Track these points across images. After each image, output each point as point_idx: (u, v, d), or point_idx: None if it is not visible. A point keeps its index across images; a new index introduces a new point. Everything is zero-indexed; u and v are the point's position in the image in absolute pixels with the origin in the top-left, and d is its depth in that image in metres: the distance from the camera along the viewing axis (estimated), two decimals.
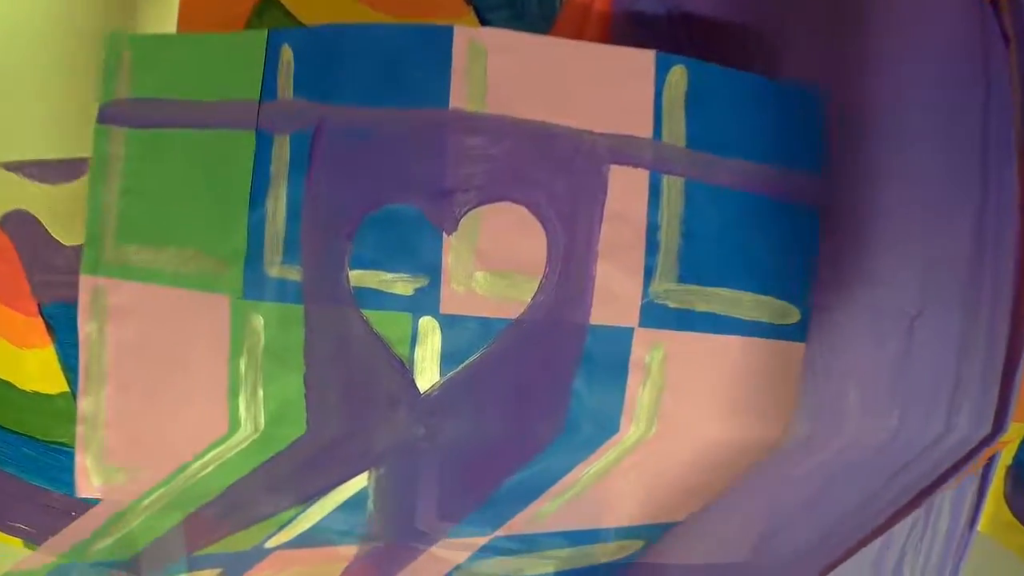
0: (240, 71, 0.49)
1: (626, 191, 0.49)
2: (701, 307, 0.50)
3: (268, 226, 0.49)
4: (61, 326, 0.57)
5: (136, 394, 0.49)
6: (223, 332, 0.49)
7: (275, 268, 0.49)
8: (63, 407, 0.57)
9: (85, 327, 0.49)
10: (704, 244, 0.50)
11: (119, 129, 0.50)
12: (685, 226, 0.50)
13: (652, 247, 0.49)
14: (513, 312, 0.49)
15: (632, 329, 0.49)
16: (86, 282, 0.49)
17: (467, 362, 0.49)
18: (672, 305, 0.50)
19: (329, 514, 0.51)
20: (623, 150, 0.49)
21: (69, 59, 0.57)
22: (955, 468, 0.52)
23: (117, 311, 0.49)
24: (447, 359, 0.49)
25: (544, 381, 0.49)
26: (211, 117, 0.49)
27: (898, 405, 0.51)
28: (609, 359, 0.49)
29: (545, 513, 0.52)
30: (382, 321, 0.49)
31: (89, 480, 0.50)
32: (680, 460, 0.51)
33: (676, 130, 0.50)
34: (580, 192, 0.49)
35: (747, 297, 0.51)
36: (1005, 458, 0.57)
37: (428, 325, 0.49)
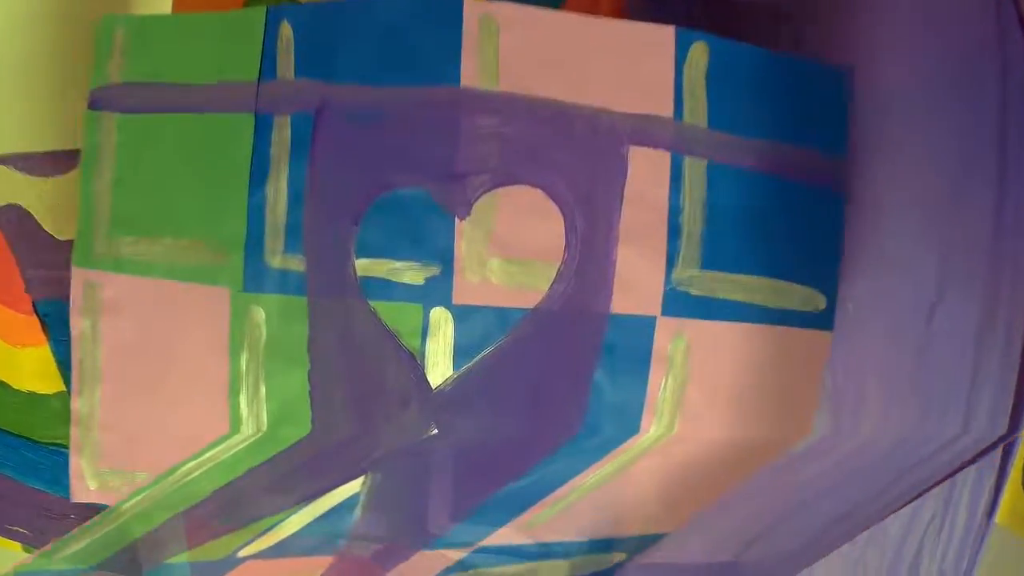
0: (237, 51, 0.49)
1: (647, 173, 0.49)
2: (725, 294, 0.50)
3: (269, 213, 0.48)
4: (56, 324, 0.57)
5: (132, 394, 0.49)
6: (222, 327, 0.48)
7: (277, 258, 0.48)
8: (59, 407, 0.57)
9: (78, 324, 0.49)
10: (728, 229, 0.50)
11: (111, 115, 0.49)
12: (708, 210, 0.49)
13: (674, 232, 0.49)
14: (530, 301, 0.48)
15: (654, 318, 0.49)
16: (78, 276, 0.49)
17: (482, 355, 0.48)
18: (695, 293, 0.49)
19: (310, 523, 0.51)
20: (643, 130, 0.49)
21: (61, 47, 0.58)
22: (964, 466, 0.51)
23: (111, 306, 0.49)
24: (461, 352, 0.48)
25: (563, 374, 0.49)
26: (207, 100, 0.49)
27: (917, 399, 0.51)
28: (631, 350, 0.49)
29: (550, 514, 0.52)
30: (391, 313, 0.48)
31: (85, 484, 0.50)
32: (701, 460, 0.51)
33: (698, 109, 0.49)
34: (599, 174, 0.48)
35: (772, 284, 0.50)
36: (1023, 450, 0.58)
37: (440, 316, 0.48)
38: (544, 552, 0.53)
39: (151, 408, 0.49)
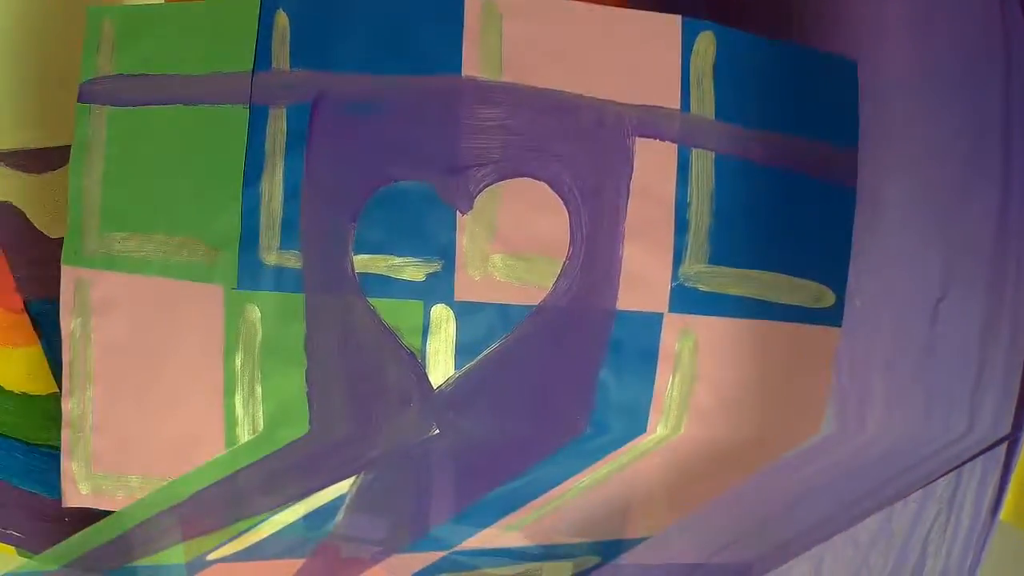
0: (231, 41, 0.48)
1: (653, 166, 0.49)
2: (733, 290, 0.50)
3: (264, 208, 0.48)
4: (48, 323, 0.57)
5: (124, 395, 0.49)
6: (217, 326, 0.48)
7: (272, 254, 0.48)
8: (52, 408, 0.57)
9: (68, 323, 0.49)
10: (736, 223, 0.50)
11: (101, 108, 0.49)
12: (715, 204, 0.49)
13: (681, 226, 0.49)
14: (534, 298, 0.48)
15: (662, 315, 0.49)
16: (68, 274, 0.49)
17: (485, 354, 0.48)
18: (703, 288, 0.49)
19: (289, 525, 0.51)
20: (650, 122, 0.49)
21: (50, 43, 0.58)
22: (966, 462, 0.52)
23: (102, 305, 0.48)
24: (463, 351, 0.48)
25: (569, 373, 0.49)
26: (200, 92, 0.48)
27: (922, 396, 0.51)
28: (638, 348, 0.49)
29: (540, 514, 0.51)
30: (391, 310, 0.48)
31: (76, 488, 0.49)
32: (708, 458, 0.51)
33: (705, 101, 0.49)
34: (605, 167, 0.48)
35: (780, 279, 0.50)
36: None
37: (442, 314, 0.48)
38: (547, 554, 0.53)
39: (144, 410, 0.49)
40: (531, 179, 0.48)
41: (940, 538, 0.53)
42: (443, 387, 0.48)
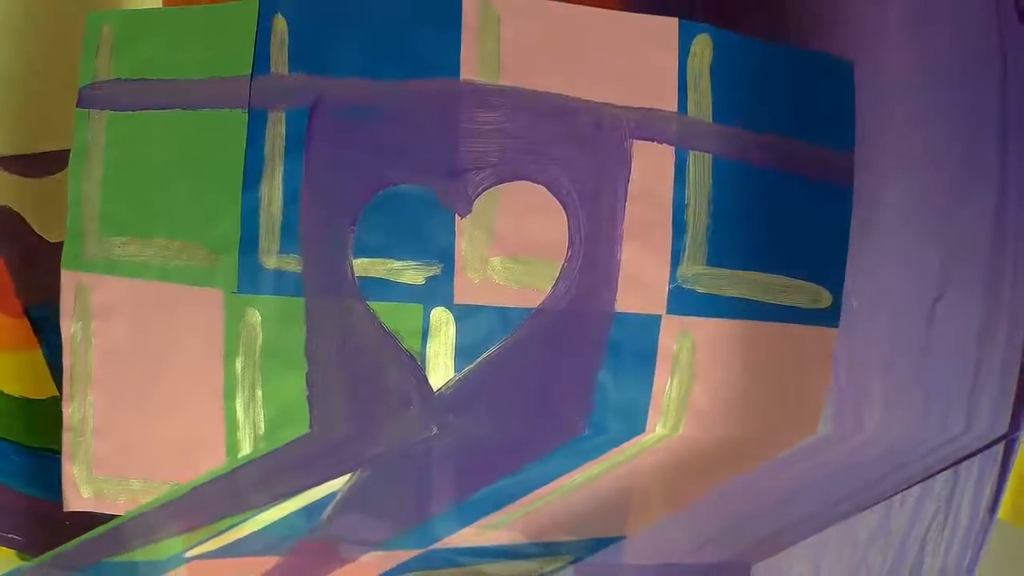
0: (230, 45, 0.48)
1: (651, 168, 0.49)
2: (731, 292, 0.50)
3: (263, 213, 0.48)
4: (48, 327, 0.56)
5: (125, 399, 0.49)
6: (217, 329, 0.48)
7: (272, 258, 0.48)
8: (53, 412, 0.55)
9: (68, 327, 0.48)
10: (733, 225, 0.50)
11: (100, 113, 0.49)
12: (713, 205, 0.49)
13: (679, 228, 0.49)
14: (533, 301, 0.48)
15: (660, 317, 0.49)
16: (68, 278, 0.48)
17: (484, 356, 0.48)
18: (701, 290, 0.49)
19: (273, 523, 0.51)
20: (647, 124, 0.49)
21: (49, 49, 0.58)
22: (963, 459, 0.52)
23: (102, 309, 0.48)
24: (462, 353, 0.48)
25: (568, 375, 0.49)
26: (199, 96, 0.48)
27: (920, 396, 0.51)
28: (636, 349, 0.49)
29: (544, 504, 0.51)
30: (391, 313, 0.48)
31: (78, 492, 0.49)
32: (706, 459, 0.51)
33: (702, 103, 0.49)
34: (603, 170, 0.48)
35: (777, 280, 0.50)
36: None
37: (441, 317, 0.48)
38: (546, 552, 0.53)
39: (145, 414, 0.49)
40: (529, 182, 0.48)
41: (938, 536, 0.53)
42: (443, 389, 0.48)
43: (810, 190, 0.50)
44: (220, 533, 0.50)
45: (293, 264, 0.48)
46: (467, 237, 0.48)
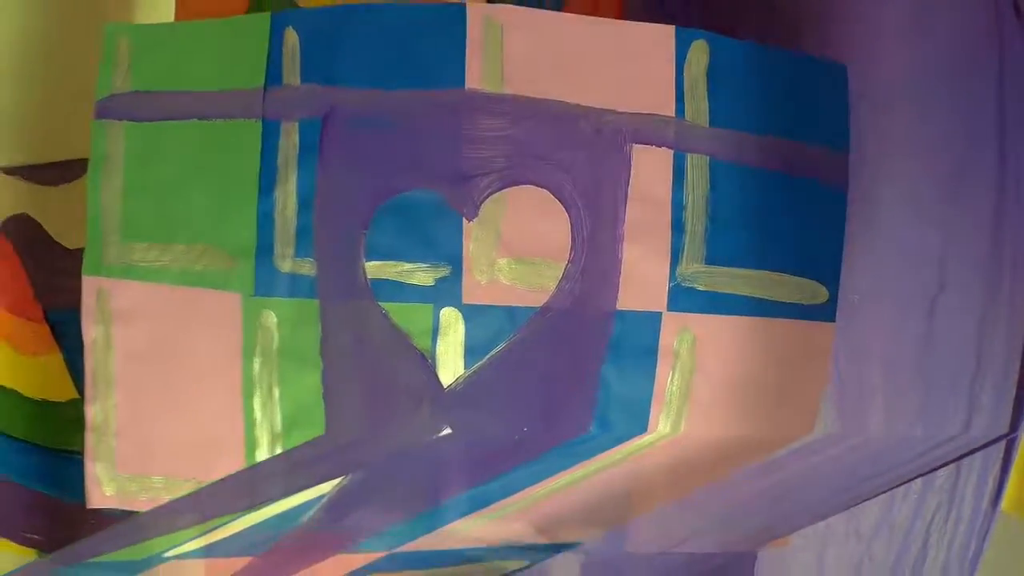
0: (243, 58, 0.49)
1: (650, 171, 0.49)
2: (729, 289, 0.50)
3: (278, 218, 0.48)
4: (68, 331, 0.57)
5: (146, 399, 0.49)
6: (235, 331, 0.48)
7: (287, 262, 0.48)
8: (73, 415, 0.57)
9: (90, 331, 0.49)
10: (731, 224, 0.50)
11: (118, 123, 0.49)
12: (711, 206, 0.50)
13: (678, 228, 0.49)
14: (538, 300, 0.49)
15: (660, 314, 0.49)
16: (89, 284, 0.48)
17: (492, 353, 0.49)
18: (700, 288, 0.50)
19: (258, 523, 0.51)
20: (646, 129, 0.49)
21: (64, 61, 0.58)
22: (964, 456, 0.52)
23: (122, 313, 0.48)
24: (471, 351, 0.49)
25: (573, 370, 0.49)
26: (215, 107, 0.48)
27: (921, 390, 0.51)
28: (638, 345, 0.49)
29: (549, 494, 0.52)
30: (402, 314, 0.48)
31: (101, 490, 0.49)
32: (707, 454, 0.51)
33: (699, 107, 0.50)
34: (603, 173, 0.49)
35: (775, 277, 0.51)
36: None
37: (450, 316, 0.48)
38: (554, 548, 0.54)
39: (166, 413, 0.49)
40: (533, 186, 0.48)
41: (941, 529, 0.53)
42: (453, 386, 0.49)
43: (806, 189, 0.51)
44: (207, 532, 0.51)
45: (307, 268, 0.48)
46: (474, 239, 0.48)
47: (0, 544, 0.58)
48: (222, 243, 0.48)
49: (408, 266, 0.48)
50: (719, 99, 0.50)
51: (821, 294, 0.51)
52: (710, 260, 0.50)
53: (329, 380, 0.48)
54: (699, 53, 0.50)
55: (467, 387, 0.49)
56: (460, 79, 0.48)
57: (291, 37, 0.48)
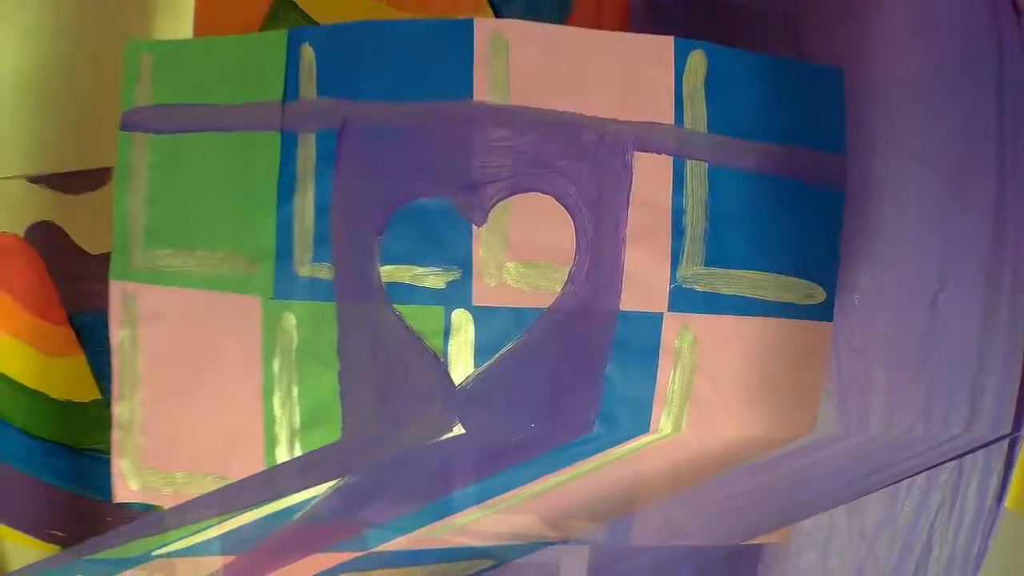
0: (261, 72, 0.49)
1: (651, 178, 0.50)
2: (728, 290, 0.51)
3: (297, 225, 0.49)
4: (91, 334, 0.58)
5: (170, 398, 0.49)
6: (255, 332, 0.49)
7: (305, 267, 0.49)
8: (96, 414, 0.58)
9: (117, 333, 0.49)
10: (729, 227, 0.50)
11: (143, 135, 0.50)
12: (710, 210, 0.50)
13: (678, 232, 0.50)
14: (544, 302, 0.49)
15: (662, 314, 0.50)
16: (116, 288, 0.49)
17: (501, 352, 0.49)
18: (700, 289, 0.50)
19: (246, 524, 0.51)
20: (646, 137, 0.50)
21: (86, 73, 0.58)
22: (964, 454, 0.52)
23: (148, 316, 0.49)
24: (481, 351, 0.49)
25: (578, 368, 0.49)
26: (235, 119, 0.49)
27: (923, 389, 0.51)
28: (640, 344, 0.50)
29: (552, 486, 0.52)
30: (415, 315, 0.49)
31: (126, 484, 0.50)
32: (708, 452, 0.52)
33: (698, 115, 0.50)
34: (606, 180, 0.49)
35: (773, 278, 0.51)
36: None
37: (461, 318, 0.49)
38: (477, 555, 0.54)
39: (189, 411, 0.49)
40: (539, 193, 0.49)
41: (945, 526, 0.53)
42: (464, 384, 0.49)
43: (802, 192, 0.51)
44: (199, 532, 0.51)
45: (325, 272, 0.48)
46: (483, 244, 0.49)
47: (24, 540, 0.59)
48: (243, 249, 0.49)
49: (421, 270, 0.49)
50: (717, 106, 0.50)
51: (818, 294, 0.51)
52: (709, 262, 0.50)
53: (345, 379, 0.49)
54: (697, 62, 0.50)
55: (477, 385, 0.49)
56: (468, 91, 0.48)
57: (308, 53, 0.49)
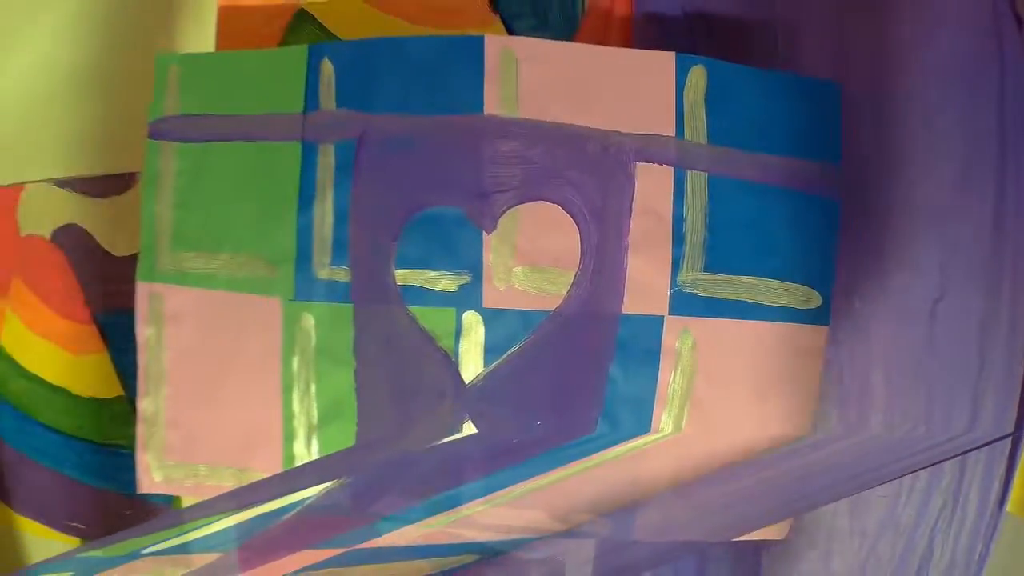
0: (283, 85, 0.50)
1: (652, 187, 0.51)
2: (727, 294, 0.51)
3: (316, 231, 0.50)
4: (114, 333, 0.58)
5: (194, 394, 0.50)
6: (276, 332, 0.50)
7: (324, 270, 0.50)
8: (119, 411, 0.58)
9: (143, 332, 0.50)
10: (728, 235, 0.51)
11: (170, 144, 0.51)
12: (709, 218, 0.51)
13: (679, 239, 0.51)
14: (551, 304, 0.50)
15: (662, 317, 0.50)
16: (143, 289, 0.50)
17: (509, 353, 0.50)
18: (699, 293, 0.51)
19: (239, 524, 0.52)
20: (648, 149, 0.50)
21: (113, 79, 0.58)
22: (966, 452, 0.53)
23: (174, 315, 0.50)
24: (490, 351, 0.50)
25: (582, 368, 0.50)
26: (258, 130, 0.50)
27: (923, 392, 0.51)
28: (642, 346, 0.50)
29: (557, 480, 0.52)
30: (428, 317, 0.50)
31: (151, 476, 0.51)
32: (708, 446, 0.52)
33: (698, 127, 0.51)
34: (610, 190, 0.50)
35: (770, 283, 0.52)
36: None
37: (472, 319, 0.50)
38: (456, 551, 0.54)
39: (211, 407, 0.50)
40: (546, 202, 0.50)
41: (947, 529, 0.53)
42: (474, 382, 0.50)
43: (799, 201, 0.52)
44: (193, 530, 0.51)
45: (343, 275, 0.50)
46: (493, 250, 0.50)
47: (46, 532, 0.58)
48: (265, 252, 0.50)
49: (433, 274, 0.50)
50: (717, 119, 0.51)
51: (814, 299, 0.52)
52: (708, 268, 0.51)
53: (361, 377, 0.50)
54: (698, 77, 0.51)
55: (486, 383, 0.50)
56: (479, 105, 0.50)
57: (327, 68, 0.50)
